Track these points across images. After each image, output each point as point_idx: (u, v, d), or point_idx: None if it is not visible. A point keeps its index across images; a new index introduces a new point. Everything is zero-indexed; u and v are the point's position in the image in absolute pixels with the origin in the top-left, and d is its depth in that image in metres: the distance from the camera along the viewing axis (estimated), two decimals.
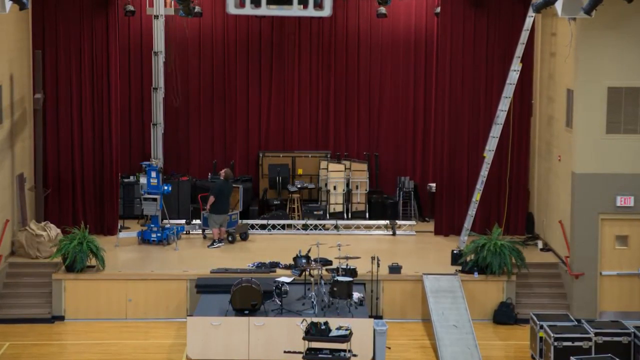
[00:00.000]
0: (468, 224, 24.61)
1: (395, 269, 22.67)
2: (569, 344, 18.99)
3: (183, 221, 26.55)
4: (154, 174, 25.07)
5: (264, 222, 26.82)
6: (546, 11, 23.62)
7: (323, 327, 18.17)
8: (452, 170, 26.14)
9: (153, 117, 25.55)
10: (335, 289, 20.18)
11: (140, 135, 28.46)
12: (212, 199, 25.05)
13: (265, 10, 23.46)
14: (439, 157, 26.43)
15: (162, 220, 25.43)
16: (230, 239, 25.37)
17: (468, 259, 22.90)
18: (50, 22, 25.47)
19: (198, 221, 26.09)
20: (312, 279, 20.84)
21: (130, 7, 26.74)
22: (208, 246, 25.06)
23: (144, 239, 25.28)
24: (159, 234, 25.18)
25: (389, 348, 20.28)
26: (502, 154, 25.61)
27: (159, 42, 25.25)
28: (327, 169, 27.74)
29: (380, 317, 21.85)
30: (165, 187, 25.22)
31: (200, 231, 25.98)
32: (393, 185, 28.46)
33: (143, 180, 25.18)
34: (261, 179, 28.30)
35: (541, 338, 19.47)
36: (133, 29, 28.06)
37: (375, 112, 28.78)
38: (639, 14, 21.59)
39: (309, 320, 18.43)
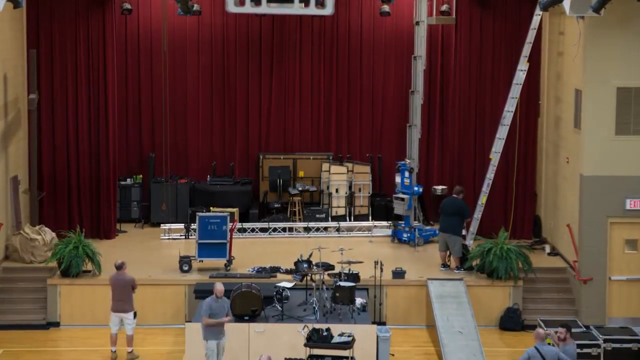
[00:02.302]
0: (474, 227, 24.42)
1: (399, 274, 22.52)
2: (577, 350, 18.59)
3: (181, 225, 26.20)
4: (407, 174, 25.52)
5: (265, 225, 26.45)
6: (554, 9, 23.53)
7: (325, 333, 18.07)
8: (458, 173, 26.01)
9: (410, 119, 25.87)
10: (337, 294, 20.04)
11: (138, 136, 28.16)
12: None
13: (265, 8, 23.41)
14: (443, 159, 26.12)
15: (412, 220, 25.67)
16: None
17: (474, 263, 22.81)
18: (46, 21, 25.36)
19: None
20: (313, 284, 20.73)
21: (127, 6, 26.68)
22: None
23: (398, 238, 25.72)
24: (409, 234, 25.44)
25: (393, 355, 20.13)
26: (508, 156, 25.42)
27: (419, 47, 25.38)
28: (329, 171, 27.60)
29: (384, 323, 21.68)
30: (416, 188, 25.43)
31: None
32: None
33: (397, 179, 25.93)
34: (261, 182, 28.12)
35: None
36: (130, 28, 27.88)
37: (378, 113, 28.59)
38: None
39: (310, 326, 18.30)
